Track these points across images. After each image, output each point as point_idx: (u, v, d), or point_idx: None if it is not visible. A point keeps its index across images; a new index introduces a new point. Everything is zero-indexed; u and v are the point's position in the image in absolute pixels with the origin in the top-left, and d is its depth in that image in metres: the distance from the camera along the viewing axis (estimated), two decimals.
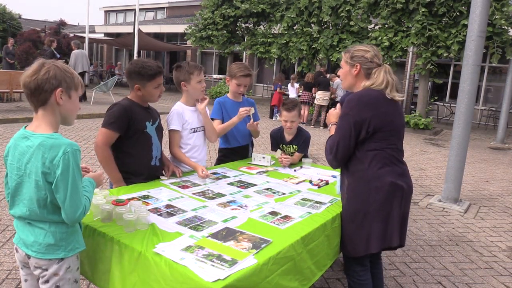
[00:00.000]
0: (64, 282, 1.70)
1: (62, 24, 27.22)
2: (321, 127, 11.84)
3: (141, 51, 24.47)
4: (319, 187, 2.85)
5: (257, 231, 1.96)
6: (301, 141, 3.49)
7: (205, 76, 3.21)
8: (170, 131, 2.93)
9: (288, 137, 3.53)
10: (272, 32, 16.38)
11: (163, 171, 2.82)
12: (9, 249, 3.27)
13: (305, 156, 3.57)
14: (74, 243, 1.72)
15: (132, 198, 2.29)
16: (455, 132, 5.21)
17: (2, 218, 3.88)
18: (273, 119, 12.86)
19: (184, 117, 2.95)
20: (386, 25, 12.30)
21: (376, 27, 12.91)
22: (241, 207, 2.32)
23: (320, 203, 2.49)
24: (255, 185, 2.79)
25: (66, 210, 1.59)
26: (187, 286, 1.54)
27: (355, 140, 2.22)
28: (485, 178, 6.99)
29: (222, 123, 3.30)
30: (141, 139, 2.61)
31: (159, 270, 1.64)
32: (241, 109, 3.22)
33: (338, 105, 2.56)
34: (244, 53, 20.00)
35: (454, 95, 15.89)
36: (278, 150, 3.55)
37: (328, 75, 12.54)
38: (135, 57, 15.56)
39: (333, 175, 3.15)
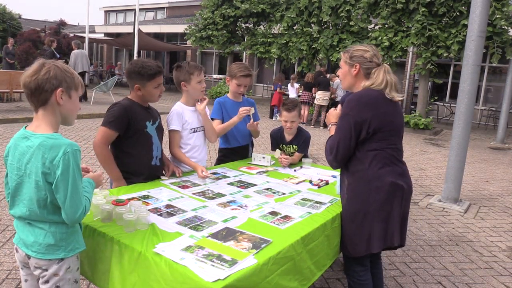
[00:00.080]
0: (64, 282, 1.70)
1: (62, 24, 27.22)
2: (321, 127, 11.84)
3: (141, 51, 24.47)
4: (319, 187, 2.85)
5: (257, 231, 1.96)
6: (301, 141, 3.50)
7: (205, 76, 3.21)
8: (170, 131, 2.93)
9: (288, 137, 3.53)
10: (272, 32, 16.38)
11: (163, 171, 2.82)
12: (9, 249, 3.27)
13: (305, 156, 3.57)
14: (74, 243, 1.72)
15: (132, 198, 2.29)
16: (455, 132, 5.21)
17: (2, 218, 3.88)
18: (273, 119, 12.86)
19: (184, 117, 2.95)
20: (386, 25, 12.30)
21: (376, 27, 12.91)
22: (241, 207, 2.32)
23: (320, 203, 2.49)
24: (255, 185, 2.79)
25: (66, 210, 1.59)
26: (187, 286, 1.54)
27: (355, 141, 2.22)
28: (485, 178, 6.99)
29: (222, 123, 3.30)
30: (142, 139, 2.61)
31: (159, 270, 1.64)
32: (241, 109, 3.22)
33: (339, 106, 2.56)
34: (244, 53, 19.99)
35: (454, 95, 15.89)
36: (278, 150, 3.54)
37: (328, 75, 12.55)
38: (135, 57, 15.56)
39: (333, 175, 3.15)
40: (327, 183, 2.95)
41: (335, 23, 13.55)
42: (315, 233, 2.12)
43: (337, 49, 13.16)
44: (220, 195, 2.51)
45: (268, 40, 16.12)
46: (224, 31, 17.50)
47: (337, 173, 2.85)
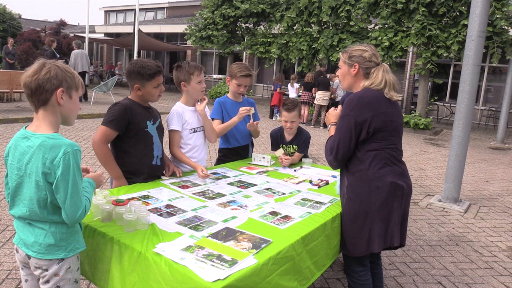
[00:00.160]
0: (64, 282, 1.70)
1: (62, 24, 27.19)
2: (321, 127, 11.85)
3: (141, 51, 24.47)
4: (319, 187, 2.85)
5: (257, 231, 1.97)
6: (301, 141, 3.50)
7: (205, 76, 3.21)
8: (170, 131, 2.93)
9: (288, 137, 3.53)
10: (272, 32, 16.38)
11: (164, 171, 2.82)
12: (9, 249, 3.27)
13: (305, 156, 3.57)
14: (75, 243, 1.72)
15: (132, 198, 2.30)
16: (455, 132, 5.21)
17: (2, 218, 3.88)
18: (273, 119, 12.86)
19: (184, 117, 2.95)
20: (386, 25, 12.30)
21: (376, 27, 12.91)
22: (241, 207, 2.32)
23: (320, 203, 2.49)
24: (255, 185, 2.79)
25: (66, 210, 1.59)
26: (187, 286, 1.54)
27: (355, 141, 2.22)
28: (485, 178, 6.99)
29: (222, 123, 3.30)
30: (142, 139, 2.62)
31: (159, 270, 1.64)
32: (241, 109, 3.22)
33: (339, 106, 2.56)
34: (244, 53, 20.00)
35: (454, 95, 15.90)
36: (280, 149, 3.53)
37: (328, 75, 12.56)
38: (135, 57, 15.56)
39: (333, 175, 3.15)
40: (327, 183, 2.96)
41: (335, 23, 13.55)
42: (315, 233, 2.12)
43: (337, 49, 13.16)
44: (220, 195, 2.52)
45: (268, 40, 16.12)
46: (224, 31, 17.50)
47: (337, 173, 2.85)
